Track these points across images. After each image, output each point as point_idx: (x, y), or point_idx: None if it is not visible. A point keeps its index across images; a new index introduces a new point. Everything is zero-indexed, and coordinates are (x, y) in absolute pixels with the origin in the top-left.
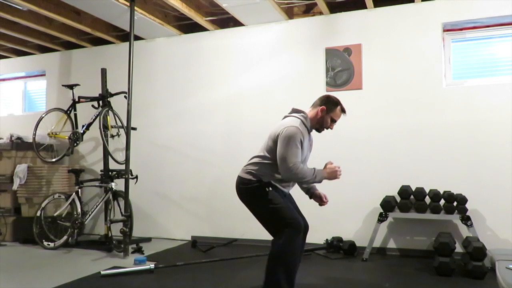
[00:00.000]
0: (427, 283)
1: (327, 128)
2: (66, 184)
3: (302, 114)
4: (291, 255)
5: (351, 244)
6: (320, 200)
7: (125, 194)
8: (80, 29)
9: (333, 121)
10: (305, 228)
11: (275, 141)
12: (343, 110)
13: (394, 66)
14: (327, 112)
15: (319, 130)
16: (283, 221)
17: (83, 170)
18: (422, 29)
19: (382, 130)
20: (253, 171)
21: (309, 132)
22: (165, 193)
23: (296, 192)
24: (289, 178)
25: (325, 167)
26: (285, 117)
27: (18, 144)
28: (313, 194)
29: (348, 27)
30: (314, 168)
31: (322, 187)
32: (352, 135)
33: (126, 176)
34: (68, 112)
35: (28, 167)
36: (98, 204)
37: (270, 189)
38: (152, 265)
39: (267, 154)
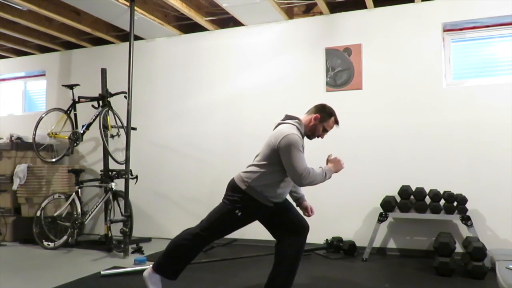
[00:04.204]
0: (427, 283)
1: (317, 137)
2: (66, 184)
3: (296, 120)
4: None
5: (351, 244)
6: (306, 211)
7: (125, 194)
8: (80, 29)
9: (325, 130)
10: (306, 229)
11: (274, 150)
12: (336, 122)
13: (394, 66)
14: (320, 121)
15: (310, 137)
16: (211, 226)
17: (83, 170)
18: (422, 29)
19: (382, 130)
20: (247, 181)
21: (302, 138)
22: (165, 193)
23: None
24: (302, 185)
25: (328, 162)
26: (279, 124)
27: (18, 144)
28: (300, 205)
29: (348, 27)
30: (321, 167)
31: (322, 187)
32: (352, 135)
33: (126, 176)
34: (68, 112)
35: (28, 167)
36: (98, 204)
37: (239, 214)
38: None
39: (264, 162)
